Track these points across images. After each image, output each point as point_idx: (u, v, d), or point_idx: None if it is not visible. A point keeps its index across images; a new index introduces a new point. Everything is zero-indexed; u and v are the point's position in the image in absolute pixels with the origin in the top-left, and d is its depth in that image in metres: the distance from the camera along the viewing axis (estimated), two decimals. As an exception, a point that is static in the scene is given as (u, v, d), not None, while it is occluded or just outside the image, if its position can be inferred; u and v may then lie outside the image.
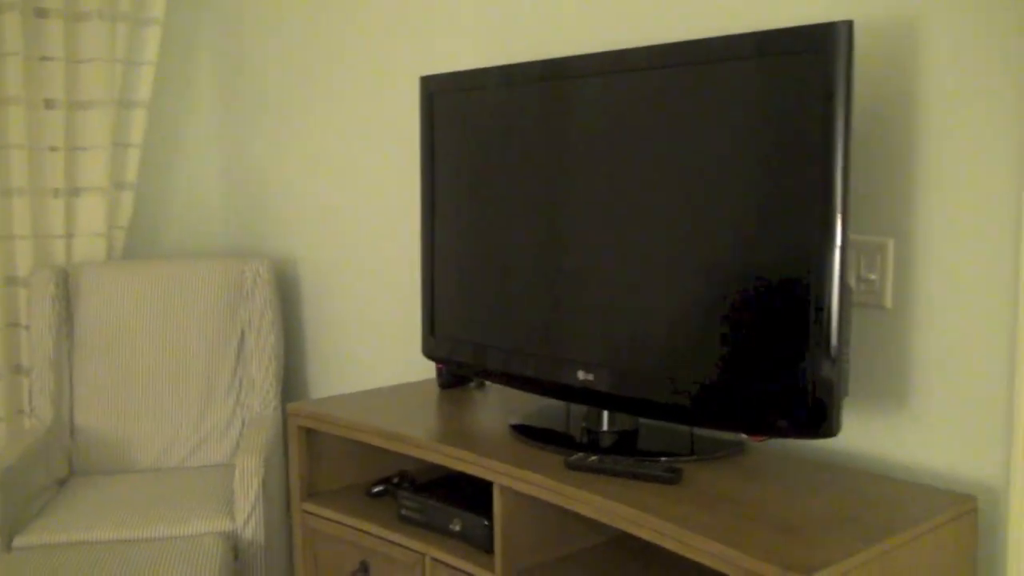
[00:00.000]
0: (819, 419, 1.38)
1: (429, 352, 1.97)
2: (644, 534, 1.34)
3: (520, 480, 1.53)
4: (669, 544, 1.30)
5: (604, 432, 1.69)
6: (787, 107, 1.39)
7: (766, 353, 1.42)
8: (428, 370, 2.40)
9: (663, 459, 1.55)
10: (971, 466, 1.48)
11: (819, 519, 1.32)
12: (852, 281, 1.59)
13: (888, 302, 1.56)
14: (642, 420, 1.73)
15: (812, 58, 1.35)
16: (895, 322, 1.55)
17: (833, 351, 1.36)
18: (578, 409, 1.80)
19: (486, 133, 1.81)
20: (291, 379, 2.88)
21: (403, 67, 2.41)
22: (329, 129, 2.67)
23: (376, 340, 2.58)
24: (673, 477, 1.45)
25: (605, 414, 1.70)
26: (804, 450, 1.67)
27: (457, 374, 2.07)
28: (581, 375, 1.66)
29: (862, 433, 1.61)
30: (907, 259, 1.53)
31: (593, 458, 1.52)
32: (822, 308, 1.36)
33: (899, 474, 1.56)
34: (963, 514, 1.38)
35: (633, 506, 1.37)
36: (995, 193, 1.44)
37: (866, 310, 1.58)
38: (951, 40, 1.46)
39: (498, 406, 1.93)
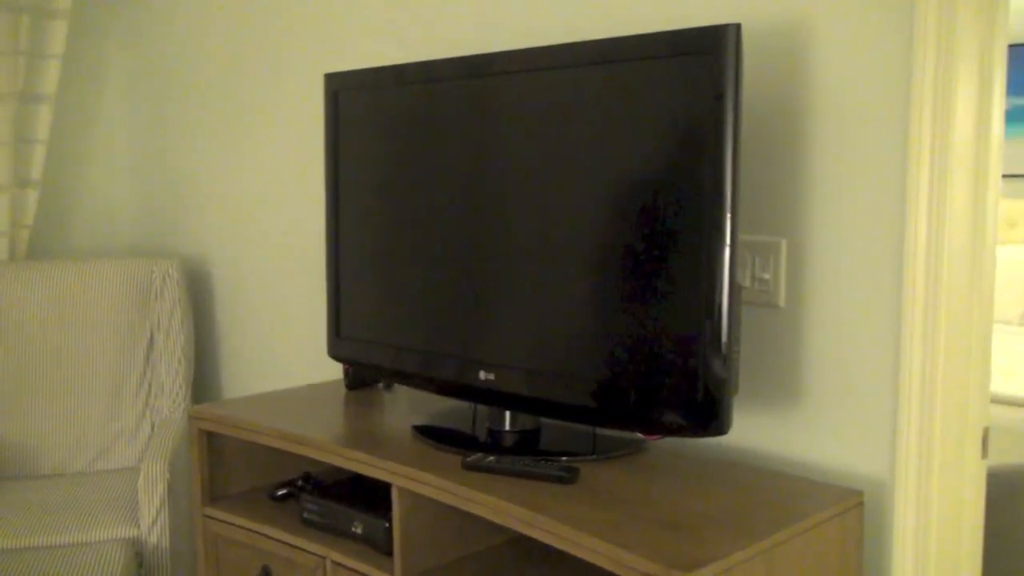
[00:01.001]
0: (709, 417, 1.39)
1: (334, 353, 1.95)
2: (536, 534, 1.34)
3: (418, 481, 1.51)
4: (560, 544, 1.30)
5: (506, 432, 1.69)
6: (679, 107, 1.40)
7: (658, 352, 1.43)
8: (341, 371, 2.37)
9: (563, 459, 1.55)
10: (859, 461, 1.51)
11: (708, 516, 1.33)
12: (747, 281, 1.61)
13: (781, 301, 1.58)
14: (548, 420, 1.73)
15: (702, 59, 1.37)
16: (788, 321, 1.58)
17: (723, 348, 1.38)
18: (484, 410, 1.79)
19: (391, 131, 1.80)
20: (204, 381, 2.83)
21: (312, 64, 2.38)
22: (241, 126, 2.62)
23: (289, 341, 2.54)
24: (568, 477, 1.45)
25: (508, 414, 1.69)
26: (701, 448, 1.68)
27: (363, 375, 2.05)
28: (483, 375, 1.65)
29: (755, 430, 1.63)
30: (800, 259, 1.56)
31: (490, 458, 1.51)
32: (712, 306, 1.37)
33: (790, 470, 1.58)
34: (849, 509, 1.41)
35: (527, 506, 1.36)
36: (881, 196, 1.46)
37: (761, 309, 1.60)
38: (840, 48, 1.49)
39: (404, 407, 1.91)
